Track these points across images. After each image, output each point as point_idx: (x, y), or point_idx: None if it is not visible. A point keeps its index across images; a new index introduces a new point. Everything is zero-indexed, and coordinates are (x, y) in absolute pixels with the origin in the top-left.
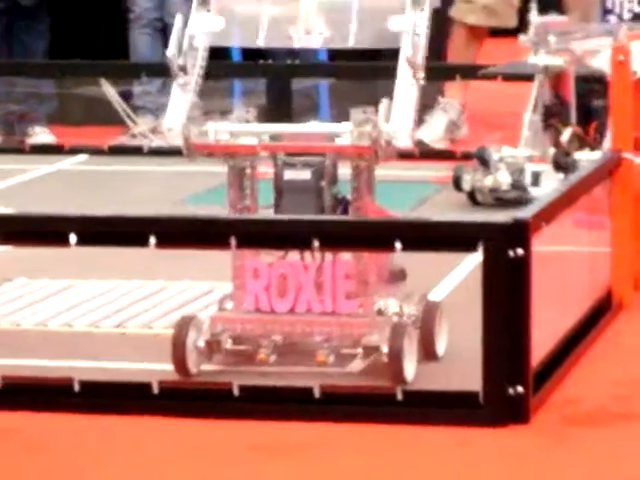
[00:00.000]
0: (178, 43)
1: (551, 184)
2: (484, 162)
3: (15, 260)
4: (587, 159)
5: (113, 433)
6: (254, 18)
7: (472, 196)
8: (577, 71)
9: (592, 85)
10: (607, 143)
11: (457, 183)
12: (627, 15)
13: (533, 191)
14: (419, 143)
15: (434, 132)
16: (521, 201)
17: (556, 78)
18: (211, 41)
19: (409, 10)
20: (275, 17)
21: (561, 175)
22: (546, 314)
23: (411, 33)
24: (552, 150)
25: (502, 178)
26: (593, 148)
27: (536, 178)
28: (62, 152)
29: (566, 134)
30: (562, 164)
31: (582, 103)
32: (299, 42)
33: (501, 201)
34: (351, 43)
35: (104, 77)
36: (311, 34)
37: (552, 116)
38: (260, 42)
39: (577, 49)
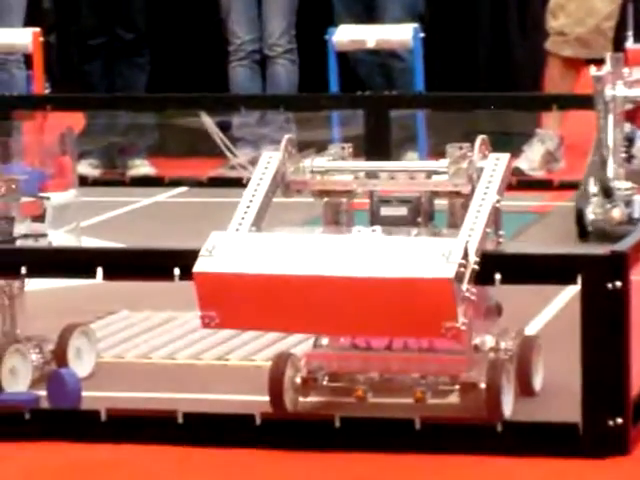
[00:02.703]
0: None
1: None
2: (608, 194)
3: (118, 293)
4: None
5: (217, 465)
6: None
7: (585, 229)
8: None
9: None
10: None
11: (580, 216)
12: None
13: None
14: (517, 172)
15: (531, 161)
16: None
17: (635, 110)
18: None
19: None
20: None
21: None
22: None
23: None
24: None
25: (624, 210)
26: None
27: None
28: (162, 184)
29: None
30: (608, 189)
31: None
32: None
33: (610, 236)
34: None
35: (203, 110)
36: None
37: (632, 147)
38: None
39: None
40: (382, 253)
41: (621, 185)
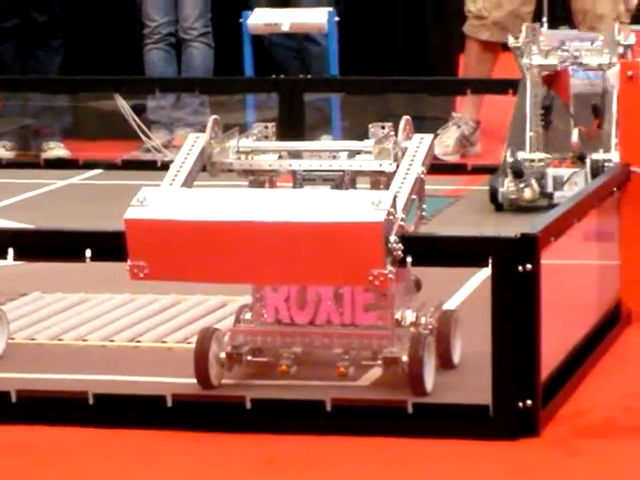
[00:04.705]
0: None
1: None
2: (519, 174)
3: (29, 274)
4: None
5: (127, 446)
6: None
7: (500, 206)
8: None
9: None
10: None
11: (493, 196)
12: None
13: (557, 196)
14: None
15: (445, 147)
16: (546, 208)
17: (551, 78)
18: None
19: None
20: None
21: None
22: (555, 327)
23: None
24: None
25: (536, 189)
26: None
27: (559, 183)
28: (76, 167)
29: (574, 135)
30: (518, 171)
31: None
32: None
33: (526, 209)
34: None
35: (118, 92)
36: None
37: (550, 114)
38: None
39: (570, 48)
40: (312, 201)
41: (534, 157)
